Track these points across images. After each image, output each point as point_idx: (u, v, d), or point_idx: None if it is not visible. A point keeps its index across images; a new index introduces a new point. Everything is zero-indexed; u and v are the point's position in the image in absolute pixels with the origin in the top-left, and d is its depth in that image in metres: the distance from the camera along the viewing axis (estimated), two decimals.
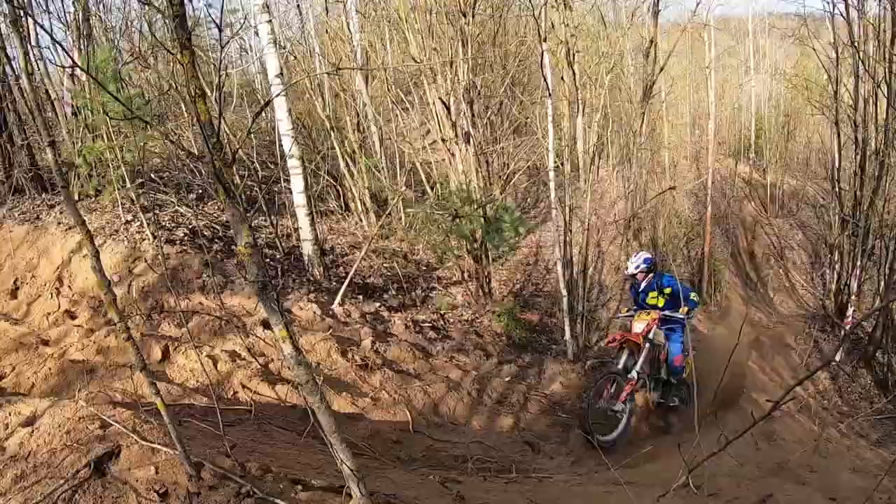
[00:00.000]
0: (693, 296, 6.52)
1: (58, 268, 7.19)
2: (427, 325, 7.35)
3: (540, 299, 8.63)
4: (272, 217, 8.12)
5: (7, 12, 8.67)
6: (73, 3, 8.90)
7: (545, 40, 7.46)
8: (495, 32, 9.11)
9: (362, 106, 8.54)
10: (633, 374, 6.20)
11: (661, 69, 9.61)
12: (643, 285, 6.60)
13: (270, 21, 6.82)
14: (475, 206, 6.92)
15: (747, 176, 15.26)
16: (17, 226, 7.94)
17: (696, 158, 13.34)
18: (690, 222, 11.65)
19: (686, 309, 6.34)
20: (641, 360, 6.27)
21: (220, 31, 2.76)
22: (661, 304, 6.51)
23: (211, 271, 6.75)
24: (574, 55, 7.88)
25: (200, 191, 8.48)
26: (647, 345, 6.34)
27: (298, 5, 9.58)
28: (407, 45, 7.69)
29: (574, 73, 7.92)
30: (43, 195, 8.57)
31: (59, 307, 6.76)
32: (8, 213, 8.32)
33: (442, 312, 7.69)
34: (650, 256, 6.72)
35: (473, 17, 7.80)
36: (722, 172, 13.87)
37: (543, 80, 7.39)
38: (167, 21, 2.48)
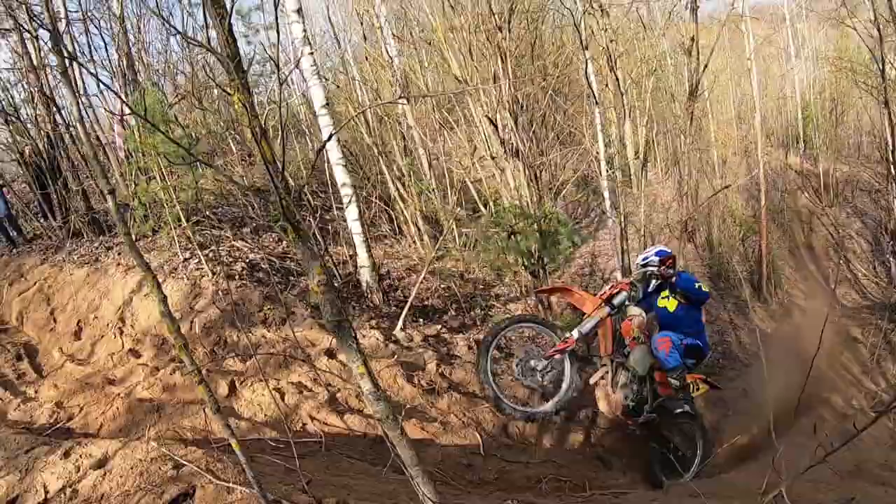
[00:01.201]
0: (701, 286, 5.48)
1: (119, 308, 7.35)
2: None
3: None
4: (327, 245, 8.17)
5: (57, 63, 8.94)
6: (116, 50, 9.15)
7: (587, 48, 7.36)
8: (532, 44, 9.04)
9: (407, 128, 8.56)
10: (575, 332, 5.38)
11: (706, 66, 9.39)
12: (653, 283, 5.70)
13: (312, 53, 6.89)
14: (530, 221, 6.83)
15: (798, 166, 14.79)
16: (77, 268, 8.17)
17: (746, 153, 12.99)
18: (745, 219, 11.32)
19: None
20: (592, 323, 5.40)
21: (279, 68, 2.74)
22: (671, 308, 5.58)
23: (272, 304, 6.81)
24: (616, 61, 7.76)
25: (254, 224, 8.58)
26: (607, 308, 5.41)
27: (335, 35, 9.70)
28: (446, 64, 7.67)
29: (617, 79, 7.80)
30: (100, 237, 8.81)
31: (123, 346, 6.91)
32: (67, 256, 8.58)
33: None
34: (666, 250, 5.79)
35: (510, 31, 7.74)
36: (772, 165, 13.46)
37: (588, 88, 7.29)
38: (220, 63, 2.47)
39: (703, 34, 10.95)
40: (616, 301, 5.44)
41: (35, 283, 8.37)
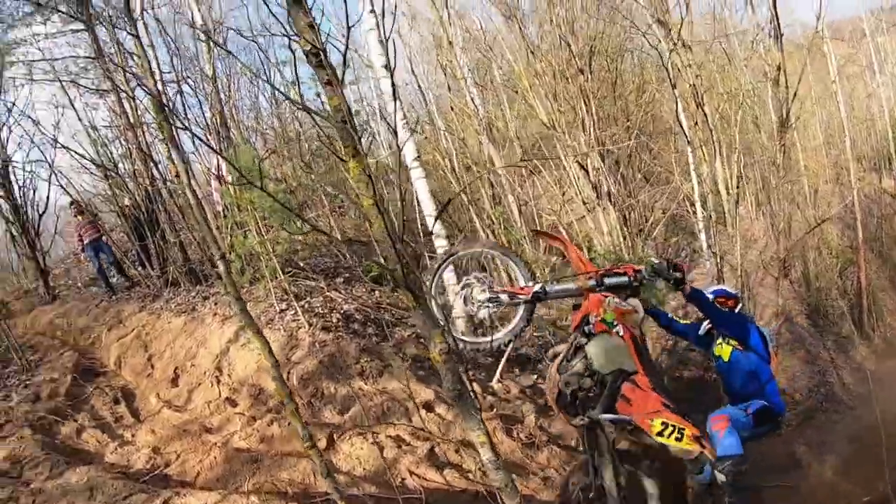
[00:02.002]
0: (757, 332, 4.65)
1: (216, 357, 7.53)
2: None
3: (694, 353, 8.14)
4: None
5: (160, 124, 9.50)
6: (210, 108, 9.58)
7: (675, 87, 7.23)
8: (613, 84, 8.97)
9: (495, 176, 8.58)
10: (538, 286, 4.55)
11: (795, 95, 9.08)
12: (705, 324, 4.89)
13: (402, 109, 7.03)
14: None
15: (893, 189, 14.02)
16: (175, 317, 8.48)
17: (837, 180, 12.41)
18: (841, 250, 10.76)
19: None
20: (562, 288, 4.63)
21: (396, 134, 2.76)
22: (726, 357, 4.70)
23: (368, 356, 6.85)
24: (703, 96, 7.60)
25: (347, 275, 8.72)
26: (592, 282, 4.47)
27: (420, 86, 9.89)
28: (532, 110, 7.69)
29: (706, 115, 7.62)
30: (197, 287, 9.15)
31: (220, 395, 7.02)
32: (165, 304, 8.93)
33: None
34: (729, 290, 5.03)
35: (591, 72, 7.72)
36: (866, 190, 12.81)
37: (679, 127, 7.15)
38: (331, 128, 2.48)
39: (786, 61, 10.63)
40: (610, 281, 4.46)
41: (133, 330, 8.74)
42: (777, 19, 9.50)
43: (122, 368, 8.40)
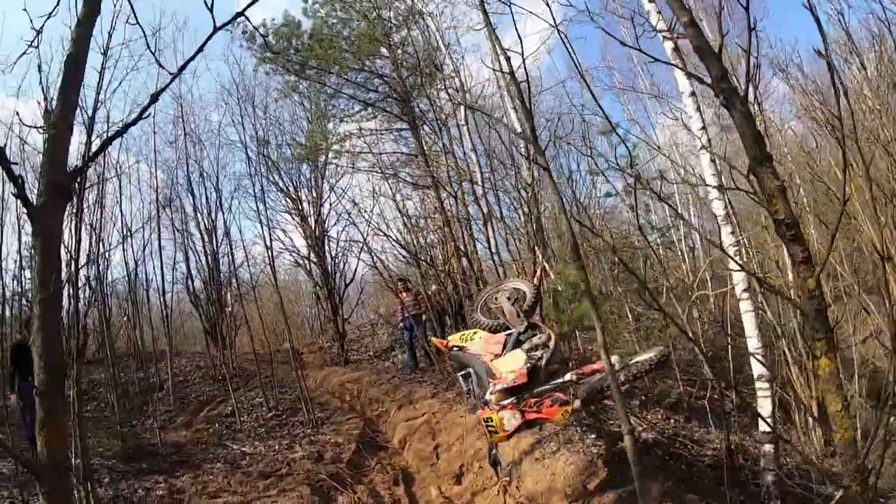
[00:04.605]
0: None
1: (508, 465, 7.38)
2: None
3: None
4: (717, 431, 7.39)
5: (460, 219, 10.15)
6: (523, 212, 9.95)
7: None
8: None
9: None
10: None
11: None
12: None
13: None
14: None
15: None
16: (469, 412, 8.51)
17: None
18: None
19: None
20: None
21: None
22: None
23: (670, 500, 6.16)
24: None
25: (643, 396, 8.24)
26: None
27: None
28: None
29: None
30: None
31: None
32: (457, 397, 8.88)
33: None
34: None
35: None
36: None
37: None
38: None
39: None
40: None
41: (423, 415, 8.91)
42: None
43: (406, 450, 8.63)
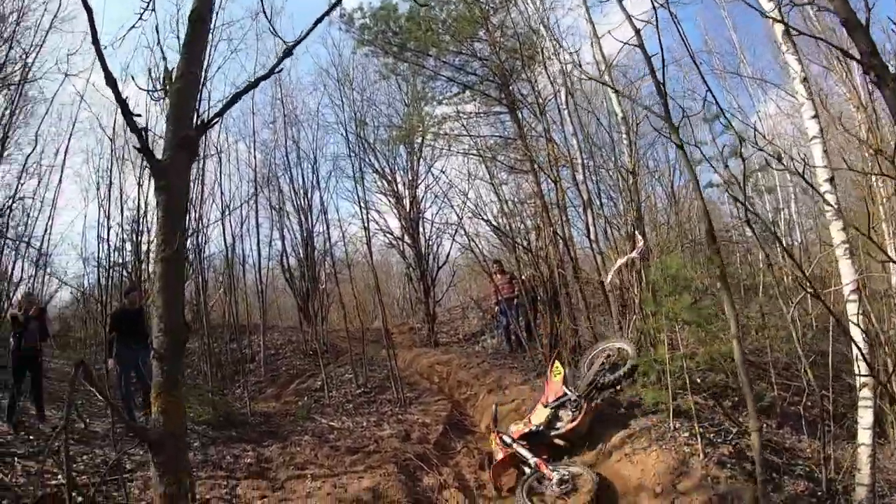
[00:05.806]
0: None
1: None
2: None
3: None
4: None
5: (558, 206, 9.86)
6: (623, 200, 9.60)
7: None
8: None
9: None
10: None
11: None
12: None
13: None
14: None
15: None
16: None
17: None
18: None
19: None
20: None
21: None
22: None
23: None
24: None
25: (735, 398, 7.77)
26: None
27: None
28: None
29: None
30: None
31: None
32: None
33: None
34: None
35: None
36: None
37: None
38: None
39: None
40: None
41: (514, 401, 8.85)
42: None
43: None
